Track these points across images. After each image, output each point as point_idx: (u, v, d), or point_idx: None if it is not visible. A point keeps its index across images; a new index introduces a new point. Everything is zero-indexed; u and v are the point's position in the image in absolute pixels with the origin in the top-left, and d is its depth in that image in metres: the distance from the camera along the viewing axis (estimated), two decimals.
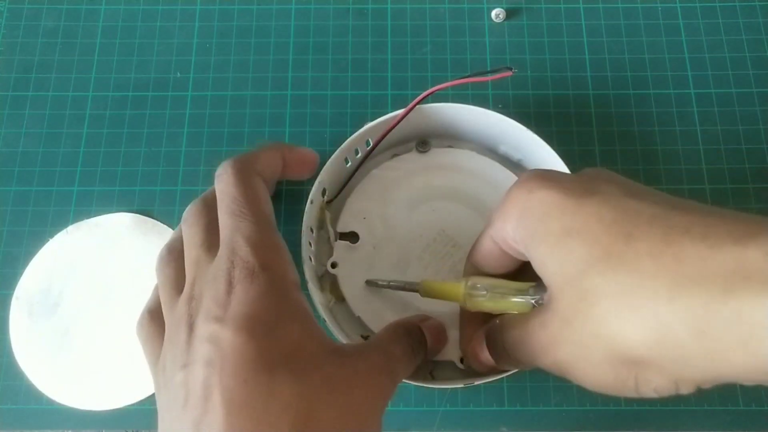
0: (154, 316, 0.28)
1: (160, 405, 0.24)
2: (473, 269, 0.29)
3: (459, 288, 0.27)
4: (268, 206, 0.28)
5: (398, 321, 0.29)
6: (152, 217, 0.37)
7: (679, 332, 0.19)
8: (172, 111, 0.39)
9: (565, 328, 0.22)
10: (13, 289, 0.36)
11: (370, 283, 0.32)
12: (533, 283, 0.26)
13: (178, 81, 0.40)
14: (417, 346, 0.28)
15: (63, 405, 0.34)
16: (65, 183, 0.38)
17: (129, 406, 0.34)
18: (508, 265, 0.27)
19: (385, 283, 0.32)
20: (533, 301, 0.25)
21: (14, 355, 0.35)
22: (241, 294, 0.24)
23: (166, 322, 0.26)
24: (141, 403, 0.34)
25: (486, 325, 0.28)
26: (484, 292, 0.26)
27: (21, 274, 0.36)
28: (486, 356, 0.28)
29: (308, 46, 0.40)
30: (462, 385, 0.30)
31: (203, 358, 0.23)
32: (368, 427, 0.24)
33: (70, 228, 0.37)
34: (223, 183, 0.28)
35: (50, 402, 0.34)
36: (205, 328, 0.23)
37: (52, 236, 0.37)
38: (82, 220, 0.37)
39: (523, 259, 0.26)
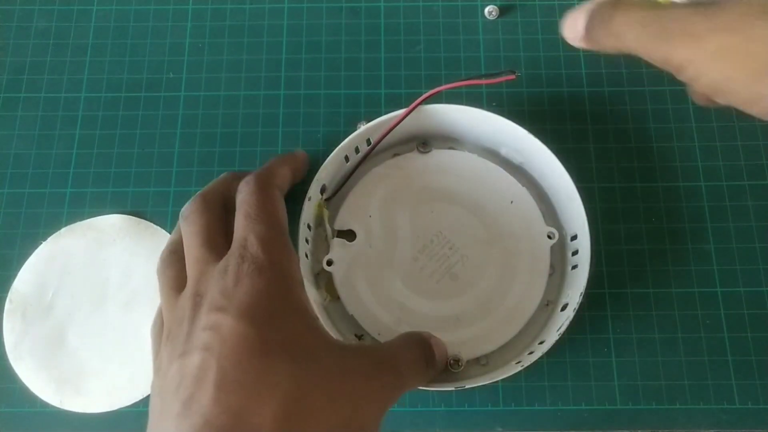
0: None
1: (152, 405, 0.25)
2: None
3: None
4: (284, 216, 0.30)
5: (409, 332, 0.30)
6: (145, 219, 0.37)
7: None
8: (164, 111, 0.39)
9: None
10: (7, 292, 0.36)
11: None
12: None
13: (170, 81, 0.40)
14: (428, 354, 0.29)
15: (57, 408, 0.34)
16: (58, 185, 0.38)
17: (123, 408, 0.34)
18: None
19: None
20: None
21: (8, 358, 0.35)
22: (248, 285, 0.25)
23: (165, 321, 0.27)
24: (135, 405, 0.34)
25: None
26: None
27: (14, 276, 0.36)
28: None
29: (301, 45, 0.40)
30: (453, 388, 0.30)
31: (202, 344, 0.23)
32: (362, 419, 0.24)
33: (63, 230, 0.37)
34: (245, 193, 0.29)
35: (44, 405, 0.34)
36: (207, 318, 0.24)
37: (45, 238, 0.37)
38: (75, 221, 0.37)
39: None
